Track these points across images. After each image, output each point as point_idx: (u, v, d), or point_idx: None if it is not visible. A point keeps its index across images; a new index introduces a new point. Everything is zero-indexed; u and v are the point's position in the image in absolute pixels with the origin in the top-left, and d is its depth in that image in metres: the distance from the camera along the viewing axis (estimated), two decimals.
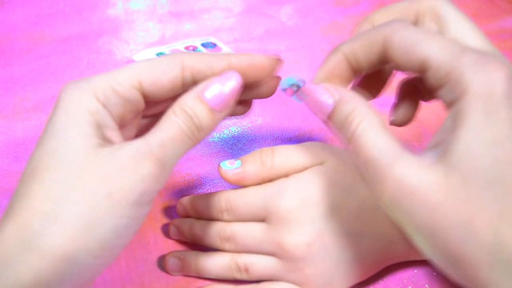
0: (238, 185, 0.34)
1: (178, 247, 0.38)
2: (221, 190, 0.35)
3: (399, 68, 0.27)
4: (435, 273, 0.36)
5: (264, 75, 0.30)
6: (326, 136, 0.45)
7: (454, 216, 0.22)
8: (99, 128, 0.27)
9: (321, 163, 0.33)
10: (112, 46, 0.54)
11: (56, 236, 0.24)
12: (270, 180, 0.34)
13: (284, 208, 0.32)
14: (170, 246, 0.38)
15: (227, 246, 0.34)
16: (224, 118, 0.29)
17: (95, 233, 0.24)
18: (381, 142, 0.24)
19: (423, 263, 0.36)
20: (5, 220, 0.25)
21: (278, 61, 0.30)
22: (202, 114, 0.28)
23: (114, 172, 0.25)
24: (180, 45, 0.53)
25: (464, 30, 0.28)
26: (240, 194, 0.34)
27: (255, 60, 0.30)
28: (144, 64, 0.28)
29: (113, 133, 0.27)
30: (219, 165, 0.34)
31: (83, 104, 0.26)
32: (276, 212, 0.32)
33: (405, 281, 0.36)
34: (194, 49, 0.52)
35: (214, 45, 0.53)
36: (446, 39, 0.25)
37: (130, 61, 0.52)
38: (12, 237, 0.24)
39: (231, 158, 0.35)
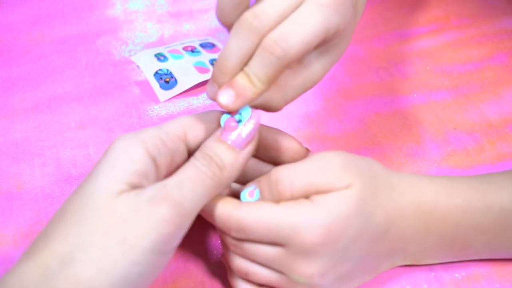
0: None
1: (180, 251, 0.38)
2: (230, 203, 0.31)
3: None
4: (433, 274, 0.36)
5: (287, 155, 0.33)
6: (325, 138, 0.45)
7: None
8: (137, 175, 0.27)
9: (346, 187, 0.31)
10: (110, 46, 0.54)
11: (69, 279, 0.24)
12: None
13: (310, 242, 0.30)
14: None
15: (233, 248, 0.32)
16: (250, 156, 0.30)
17: (105, 279, 0.24)
18: None
19: (421, 264, 0.36)
20: (25, 257, 0.26)
21: (307, 151, 0.34)
22: (223, 153, 0.28)
23: (130, 217, 0.25)
24: (179, 46, 0.52)
25: None
26: (255, 216, 0.30)
27: (288, 143, 0.33)
28: (189, 118, 0.31)
29: (150, 184, 0.27)
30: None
31: (127, 152, 0.27)
32: (299, 244, 0.30)
33: (403, 281, 0.36)
34: (193, 49, 0.52)
35: (212, 45, 0.53)
36: None
37: (129, 61, 0.52)
38: (29, 275, 0.25)
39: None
